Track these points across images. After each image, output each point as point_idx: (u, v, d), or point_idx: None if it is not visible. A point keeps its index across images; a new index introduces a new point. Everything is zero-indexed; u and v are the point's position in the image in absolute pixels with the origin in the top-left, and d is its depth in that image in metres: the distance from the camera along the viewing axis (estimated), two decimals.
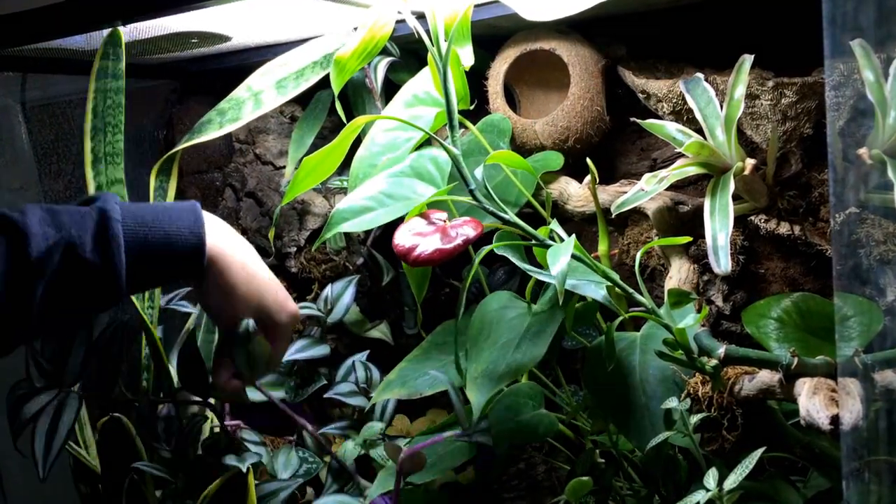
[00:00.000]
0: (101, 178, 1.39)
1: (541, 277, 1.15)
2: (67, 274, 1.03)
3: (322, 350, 1.55)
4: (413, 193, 1.17)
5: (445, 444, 1.30)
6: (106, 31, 1.35)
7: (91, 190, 1.38)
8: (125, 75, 1.39)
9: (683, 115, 1.29)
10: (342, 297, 1.57)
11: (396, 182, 1.20)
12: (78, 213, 1.06)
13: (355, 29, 1.29)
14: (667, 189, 1.25)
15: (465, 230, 1.09)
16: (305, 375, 1.57)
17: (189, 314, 1.59)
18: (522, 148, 1.45)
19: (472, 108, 1.35)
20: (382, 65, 1.52)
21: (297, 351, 1.54)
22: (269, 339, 1.21)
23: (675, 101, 1.29)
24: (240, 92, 1.46)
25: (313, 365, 1.58)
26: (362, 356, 1.57)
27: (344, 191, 1.56)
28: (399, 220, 1.18)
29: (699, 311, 1.15)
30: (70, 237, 1.03)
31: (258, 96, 1.45)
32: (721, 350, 1.06)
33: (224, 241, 1.16)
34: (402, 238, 1.11)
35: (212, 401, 1.43)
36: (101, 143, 1.39)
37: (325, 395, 1.51)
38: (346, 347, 1.66)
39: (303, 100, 1.75)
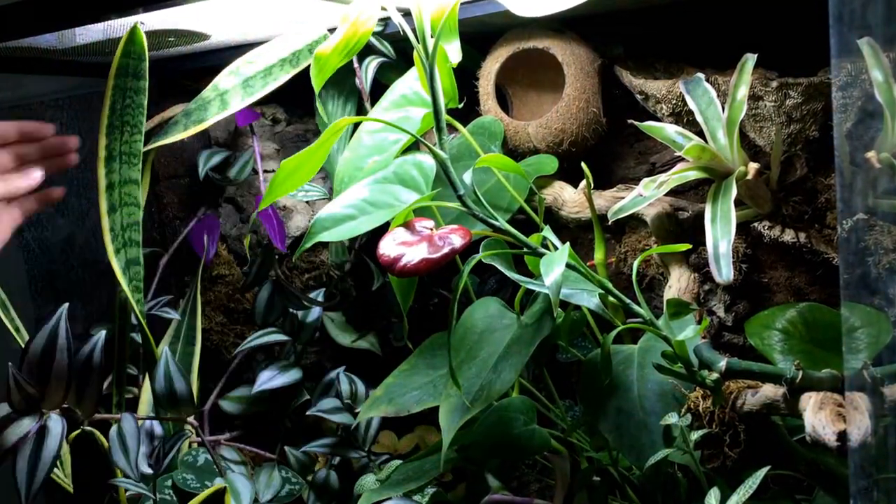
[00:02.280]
0: (113, 176, 1.39)
1: (533, 287, 1.14)
2: None
3: (293, 376, 1.53)
4: (396, 200, 1.17)
5: (432, 460, 1.29)
6: (126, 26, 1.35)
7: (101, 188, 1.38)
8: (147, 76, 1.40)
9: (683, 116, 1.29)
10: (308, 314, 1.56)
11: (379, 189, 1.19)
12: None
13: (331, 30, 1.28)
14: (666, 194, 1.25)
15: (453, 239, 1.09)
16: (283, 400, 1.56)
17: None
18: (515, 151, 1.44)
19: (461, 106, 1.34)
20: (373, 65, 1.51)
21: (266, 381, 1.52)
22: None
23: (674, 102, 1.29)
24: (206, 92, 1.45)
25: (289, 389, 1.56)
26: (343, 370, 1.55)
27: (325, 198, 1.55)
28: (383, 227, 1.17)
29: (700, 322, 1.14)
30: None
31: (224, 96, 1.44)
32: (722, 363, 1.05)
33: None
34: (387, 248, 1.10)
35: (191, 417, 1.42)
36: (116, 140, 1.39)
37: (308, 413, 1.49)
38: (331, 359, 1.65)
39: (284, 101, 1.75)
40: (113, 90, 1.39)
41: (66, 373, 1.31)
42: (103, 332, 1.36)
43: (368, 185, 1.20)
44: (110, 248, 1.41)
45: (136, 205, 1.43)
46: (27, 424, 1.29)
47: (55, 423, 1.30)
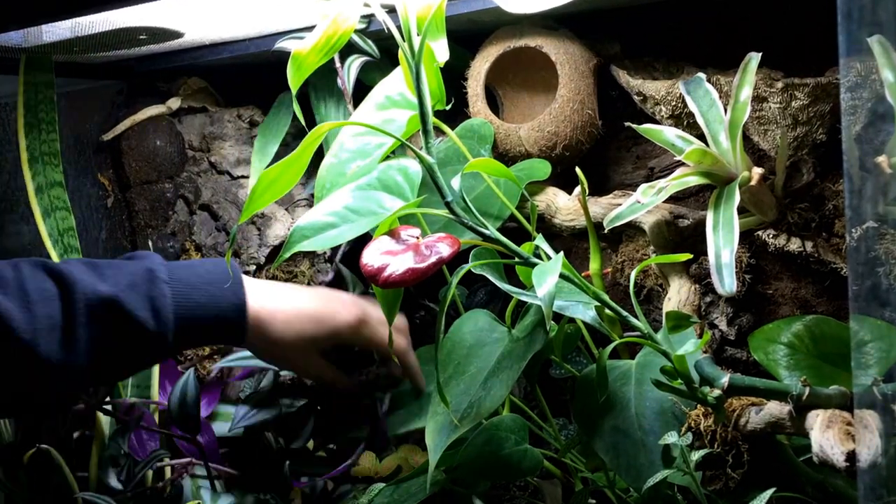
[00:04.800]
0: (39, 178, 1.41)
1: (525, 299, 1.14)
2: (115, 328, 1.14)
3: (269, 413, 1.50)
4: (380, 207, 1.16)
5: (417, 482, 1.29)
6: (96, 23, 1.36)
7: (31, 191, 1.38)
8: (53, 67, 1.42)
9: (683, 119, 1.29)
10: None
11: (362, 195, 1.19)
12: (125, 269, 1.17)
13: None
14: (665, 201, 1.24)
15: (440, 248, 1.08)
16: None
17: None
18: (505, 155, 1.44)
19: (448, 108, 1.33)
20: (356, 64, 1.51)
21: (240, 419, 1.49)
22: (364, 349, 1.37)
23: (674, 103, 1.29)
24: None
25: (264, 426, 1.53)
26: None
27: (309, 202, 1.54)
28: (366, 236, 1.17)
29: (701, 336, 1.14)
30: (118, 293, 1.14)
31: None
32: (725, 379, 1.05)
33: (259, 297, 1.28)
34: (371, 258, 1.10)
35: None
36: (36, 140, 1.42)
37: None
38: None
39: (262, 103, 1.74)
40: (25, 86, 1.41)
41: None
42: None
43: (351, 192, 1.19)
44: (53, 254, 1.44)
45: (67, 209, 1.46)
46: None
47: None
